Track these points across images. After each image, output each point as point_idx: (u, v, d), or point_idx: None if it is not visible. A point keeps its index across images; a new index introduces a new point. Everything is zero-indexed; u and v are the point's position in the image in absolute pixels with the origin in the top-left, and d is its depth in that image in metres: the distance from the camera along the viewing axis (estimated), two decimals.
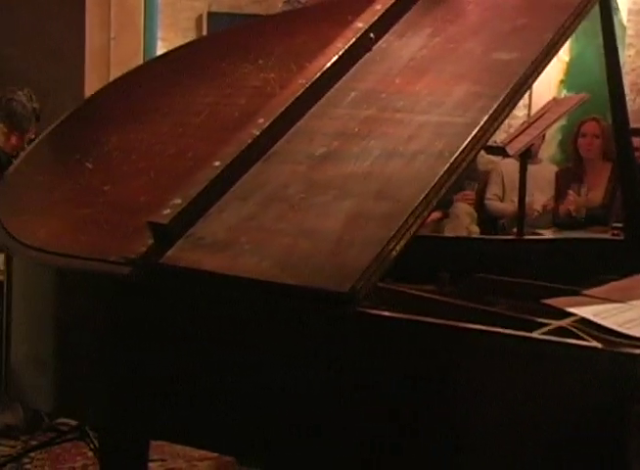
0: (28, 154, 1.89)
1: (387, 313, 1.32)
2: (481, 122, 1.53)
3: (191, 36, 6.56)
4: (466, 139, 1.51)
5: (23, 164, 1.87)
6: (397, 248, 1.37)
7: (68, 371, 1.60)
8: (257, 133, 1.59)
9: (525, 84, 1.62)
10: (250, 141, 1.58)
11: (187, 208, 1.48)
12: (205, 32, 6.54)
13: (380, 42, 1.80)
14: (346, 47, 1.75)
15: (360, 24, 1.79)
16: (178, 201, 1.50)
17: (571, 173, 4.92)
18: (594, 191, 4.77)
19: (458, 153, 1.48)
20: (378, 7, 1.83)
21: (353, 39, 1.76)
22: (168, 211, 1.48)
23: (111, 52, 5.66)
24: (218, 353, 1.43)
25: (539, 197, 5.23)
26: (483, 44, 1.71)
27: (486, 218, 5.60)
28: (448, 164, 1.47)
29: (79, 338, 1.57)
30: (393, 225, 1.38)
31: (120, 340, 1.52)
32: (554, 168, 5.23)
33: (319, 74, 1.70)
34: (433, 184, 1.44)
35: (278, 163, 1.58)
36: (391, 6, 1.83)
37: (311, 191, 1.51)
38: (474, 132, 1.52)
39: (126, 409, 1.55)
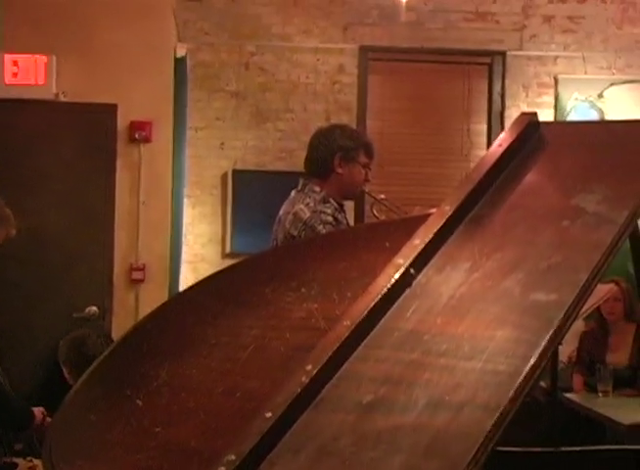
0: (80, 387, 1.94)
1: None
2: (524, 372, 1.58)
3: (216, 193, 6.75)
4: (510, 390, 1.55)
5: (76, 398, 1.92)
6: None
7: None
8: (307, 381, 1.64)
9: (564, 327, 1.67)
10: (299, 390, 1.63)
11: (241, 465, 1.52)
12: (230, 189, 6.72)
13: (419, 276, 1.87)
14: (389, 285, 1.81)
15: (401, 261, 1.86)
16: (232, 457, 1.53)
17: (594, 335, 4.95)
18: (619, 352, 4.79)
19: (503, 406, 1.53)
20: (417, 241, 1.90)
21: (396, 276, 1.83)
22: (223, 468, 1.52)
23: (140, 215, 5.82)
24: None
25: (564, 348, 5.25)
26: (521, 283, 1.77)
27: None
28: (495, 419, 1.51)
29: None
30: None
31: None
32: (581, 323, 5.26)
33: (364, 314, 1.76)
34: (481, 441, 1.48)
35: (327, 411, 1.63)
36: (430, 240, 1.90)
37: (361, 444, 1.54)
38: (517, 382, 1.56)
39: None
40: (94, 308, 4.93)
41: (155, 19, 5.87)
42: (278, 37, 6.83)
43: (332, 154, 3.44)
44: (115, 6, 5.79)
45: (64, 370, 4.27)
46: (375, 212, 3.87)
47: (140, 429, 1.76)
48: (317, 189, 3.42)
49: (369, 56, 6.87)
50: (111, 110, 5.77)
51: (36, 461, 3.01)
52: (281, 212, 3.45)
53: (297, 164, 6.34)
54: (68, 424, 1.86)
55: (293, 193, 3.50)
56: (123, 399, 1.86)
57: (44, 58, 5.66)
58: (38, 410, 3.02)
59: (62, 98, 5.71)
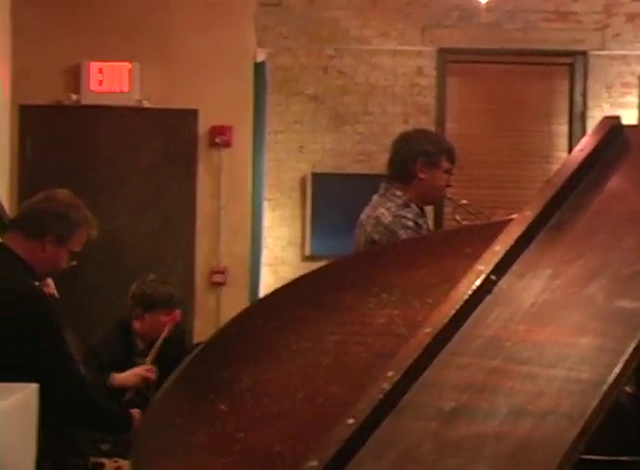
0: (166, 390, 1.98)
1: None
2: (609, 381, 1.56)
3: (295, 196, 6.81)
4: (594, 399, 1.53)
5: (162, 402, 1.96)
6: None
7: None
8: (388, 388, 1.65)
9: None
10: (381, 396, 1.64)
11: None
12: (308, 192, 6.76)
13: (500, 283, 1.86)
14: (470, 292, 1.81)
15: (481, 267, 1.86)
16: (314, 463, 1.55)
17: None
18: None
19: (588, 415, 1.51)
20: (497, 248, 1.90)
21: (476, 283, 1.82)
22: None
23: (220, 219, 5.89)
24: None
25: None
26: (604, 290, 1.75)
27: None
28: (579, 428, 1.49)
29: None
30: None
31: None
32: None
33: (445, 320, 1.76)
34: (565, 450, 1.46)
35: (409, 418, 1.63)
36: (511, 246, 1.90)
37: (443, 452, 1.55)
38: (601, 391, 1.54)
39: None
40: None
41: (235, 24, 5.95)
42: (356, 40, 6.86)
43: (414, 159, 3.44)
44: (196, 13, 5.88)
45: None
46: (457, 217, 3.85)
47: (224, 433, 1.79)
48: (399, 193, 3.43)
49: (448, 58, 6.85)
50: (192, 115, 5.86)
51: (122, 462, 3.06)
52: (362, 216, 3.47)
53: (376, 166, 6.38)
54: (155, 426, 1.90)
55: (375, 197, 3.51)
56: (207, 403, 1.89)
57: (128, 65, 5.78)
58: (136, 412, 3.01)
59: (144, 104, 5.82)
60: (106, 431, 3.13)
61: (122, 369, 4.06)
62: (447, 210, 5.78)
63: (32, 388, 1.88)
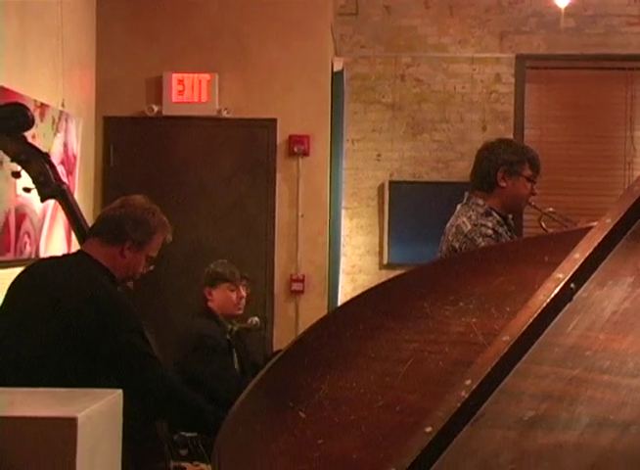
0: (246, 397, 2.01)
1: None
2: None
3: (373, 205, 6.81)
4: None
5: (242, 409, 1.98)
6: None
7: None
8: (466, 396, 1.65)
9: None
10: (459, 405, 1.64)
11: None
12: (386, 201, 6.77)
13: (580, 291, 1.84)
14: (548, 300, 1.79)
15: (560, 275, 1.84)
16: None
17: None
18: None
19: None
20: (577, 256, 1.87)
21: (555, 291, 1.81)
22: None
23: (299, 228, 5.93)
24: None
25: None
26: None
27: None
28: None
29: None
30: None
31: None
32: None
33: (523, 329, 1.75)
34: None
35: (487, 427, 1.63)
36: (590, 254, 1.87)
37: (523, 462, 1.54)
38: None
39: None
40: (256, 319, 5.05)
41: (312, 34, 5.99)
42: (433, 48, 6.84)
43: (495, 168, 3.48)
44: (274, 24, 5.94)
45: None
46: (543, 225, 3.83)
47: (303, 440, 1.81)
48: (481, 202, 3.46)
49: (526, 64, 6.79)
50: (270, 124, 5.92)
51: (203, 465, 3.09)
52: (447, 226, 3.51)
53: (454, 174, 6.36)
54: (235, 433, 1.92)
55: (458, 206, 3.54)
56: (286, 410, 1.91)
57: (207, 76, 5.87)
58: None
59: (224, 114, 5.90)
60: (198, 429, 3.13)
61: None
62: (529, 217, 5.73)
63: (117, 393, 1.92)
